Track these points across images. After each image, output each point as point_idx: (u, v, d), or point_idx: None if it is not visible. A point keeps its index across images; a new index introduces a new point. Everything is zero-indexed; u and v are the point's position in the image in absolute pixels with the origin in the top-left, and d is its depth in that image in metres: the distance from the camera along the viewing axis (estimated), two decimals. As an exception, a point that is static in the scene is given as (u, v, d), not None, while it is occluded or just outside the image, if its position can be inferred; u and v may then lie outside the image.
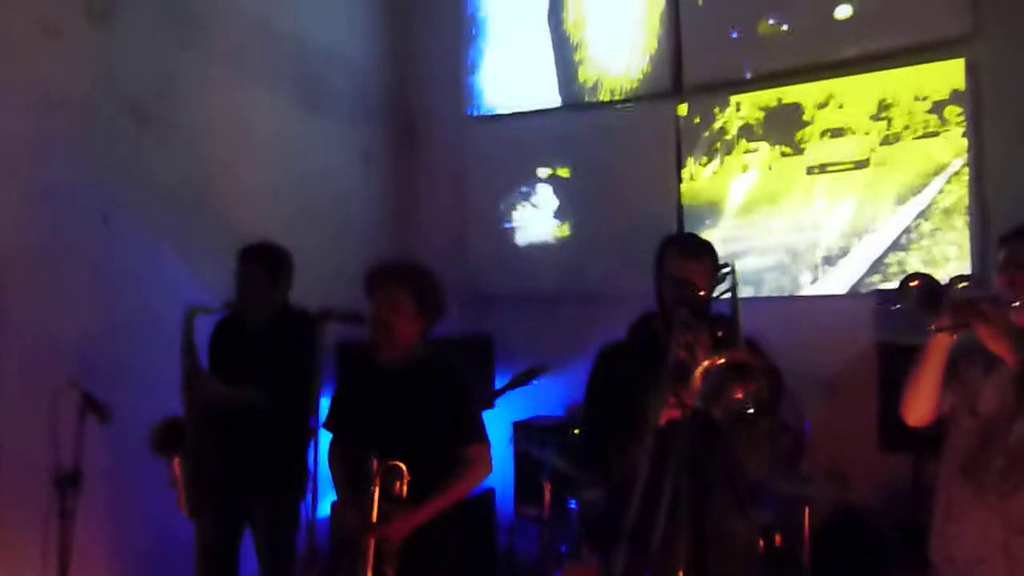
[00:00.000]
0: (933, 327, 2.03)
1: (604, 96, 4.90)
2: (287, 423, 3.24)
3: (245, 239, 3.64)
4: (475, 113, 5.33)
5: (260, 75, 4.50)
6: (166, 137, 3.97)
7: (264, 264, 3.32)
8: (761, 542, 3.32)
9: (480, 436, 2.64)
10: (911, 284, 2.02)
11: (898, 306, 2.03)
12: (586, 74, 4.96)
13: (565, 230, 5.05)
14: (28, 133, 3.41)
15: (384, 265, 2.68)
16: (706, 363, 1.80)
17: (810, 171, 4.29)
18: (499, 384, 4.33)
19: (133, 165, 3.81)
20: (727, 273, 2.21)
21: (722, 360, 1.80)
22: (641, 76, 4.76)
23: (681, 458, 2.02)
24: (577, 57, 4.98)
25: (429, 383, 2.58)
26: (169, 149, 3.98)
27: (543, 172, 5.11)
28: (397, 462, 2.40)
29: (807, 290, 4.30)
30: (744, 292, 4.23)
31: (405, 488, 2.40)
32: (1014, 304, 1.97)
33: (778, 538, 3.42)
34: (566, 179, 5.04)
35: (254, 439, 3.21)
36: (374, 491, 2.38)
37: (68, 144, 3.55)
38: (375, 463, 2.40)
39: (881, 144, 4.12)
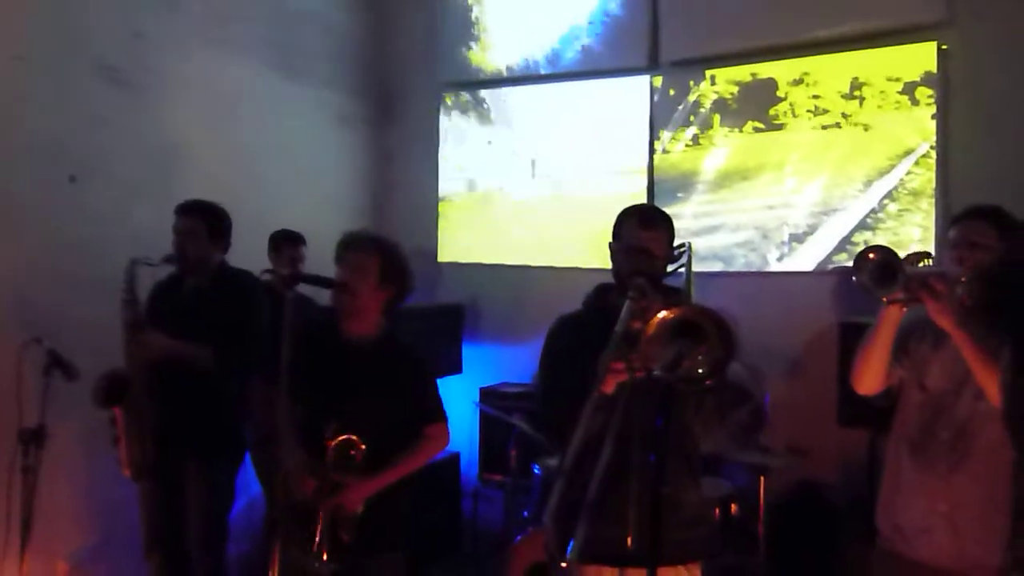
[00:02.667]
0: (885, 299, 2.09)
1: (582, 67, 4.90)
2: (225, 385, 3.25)
3: (218, 201, 3.64)
4: (453, 78, 5.31)
5: (235, 36, 4.45)
6: (137, 98, 3.93)
7: (204, 220, 3.29)
8: (717, 511, 3.42)
9: (438, 415, 2.68)
10: (868, 257, 2.06)
11: (854, 278, 2.06)
12: (564, 44, 4.95)
13: (537, 201, 5.06)
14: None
15: (354, 233, 2.70)
16: (660, 315, 1.80)
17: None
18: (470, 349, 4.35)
19: (102, 125, 3.77)
20: (683, 252, 2.24)
21: (672, 315, 1.80)
22: (617, 48, 4.76)
23: (634, 427, 2.06)
24: (557, 27, 4.97)
25: (389, 361, 2.60)
26: (140, 110, 3.94)
27: (517, 142, 5.11)
28: (352, 435, 2.42)
29: (774, 267, 4.35)
30: (714, 267, 4.34)
31: (360, 458, 2.42)
32: (962, 280, 2.02)
33: (734, 507, 3.50)
34: (540, 150, 5.05)
35: (191, 400, 3.17)
36: (328, 460, 2.41)
37: (36, 102, 3.51)
38: (331, 432, 2.41)
39: (853, 124, 4.16)
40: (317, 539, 2.38)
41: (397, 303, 2.70)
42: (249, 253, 3.66)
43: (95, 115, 3.74)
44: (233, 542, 3.56)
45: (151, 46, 3.99)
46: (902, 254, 2.07)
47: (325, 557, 2.38)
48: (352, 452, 2.42)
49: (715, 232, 4.47)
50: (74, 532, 3.65)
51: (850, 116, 4.16)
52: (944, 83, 3.94)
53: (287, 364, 2.38)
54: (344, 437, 2.41)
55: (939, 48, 3.94)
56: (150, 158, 3.95)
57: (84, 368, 3.14)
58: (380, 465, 2.49)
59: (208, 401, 3.22)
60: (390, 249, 2.66)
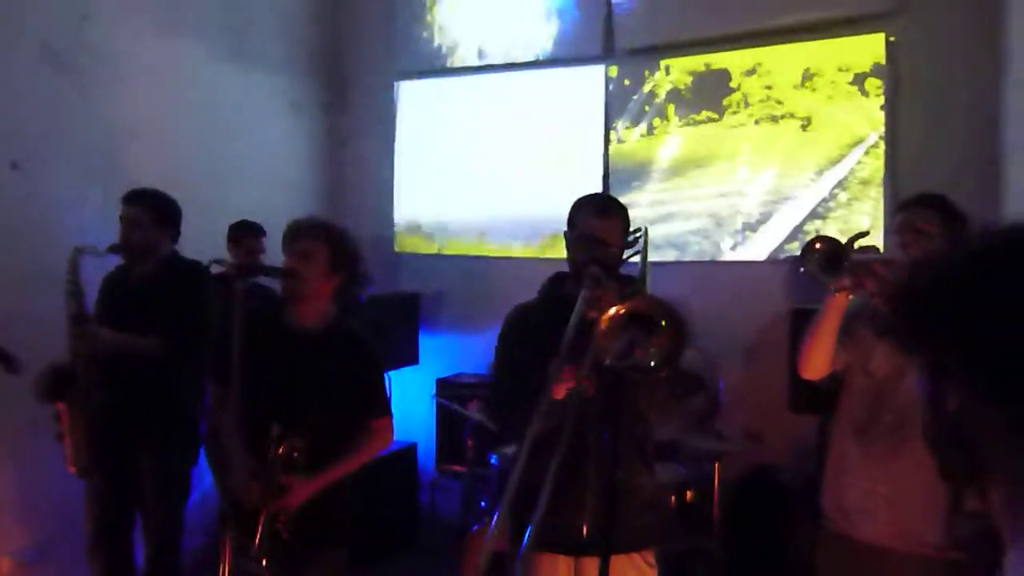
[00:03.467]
0: (832, 287, 2.12)
1: (534, 56, 4.90)
2: (177, 376, 3.19)
3: (168, 189, 3.56)
4: (407, 67, 5.27)
5: (186, 19, 4.37)
6: (83, 82, 3.83)
7: (149, 208, 3.23)
8: (673, 497, 3.47)
9: (384, 408, 2.65)
10: (815, 247, 2.09)
11: (802, 268, 2.10)
12: (519, 34, 4.94)
13: (492, 190, 5.05)
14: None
15: (304, 219, 2.64)
16: (611, 311, 1.82)
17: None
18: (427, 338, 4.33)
19: (47, 110, 3.67)
20: (638, 236, 2.25)
21: (624, 309, 1.82)
22: (572, 37, 4.77)
23: (588, 415, 2.07)
24: (512, 15, 4.95)
25: (336, 349, 2.55)
26: (87, 95, 3.84)
27: (471, 132, 5.09)
28: (295, 438, 2.38)
29: (728, 256, 4.40)
30: (668, 256, 4.38)
31: (302, 458, 2.39)
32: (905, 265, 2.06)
33: (689, 493, 3.55)
34: (494, 140, 5.03)
35: (142, 393, 3.12)
36: (273, 461, 2.37)
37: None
38: (275, 433, 2.38)
39: (804, 114, 4.22)
40: (257, 541, 2.34)
41: (348, 290, 2.66)
42: (202, 241, 3.59)
43: (39, 100, 3.64)
44: (188, 535, 3.51)
45: (98, 29, 3.88)
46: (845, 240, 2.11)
47: (264, 561, 2.33)
48: (295, 454, 2.38)
49: (670, 220, 4.51)
50: (18, 529, 3.56)
51: (801, 106, 4.22)
52: (893, 74, 4.02)
53: (238, 358, 2.34)
54: (287, 441, 2.37)
55: (887, 39, 4.01)
56: (98, 144, 3.85)
57: (30, 362, 3.05)
58: (323, 460, 2.45)
59: (159, 392, 3.16)
60: (338, 234, 2.61)
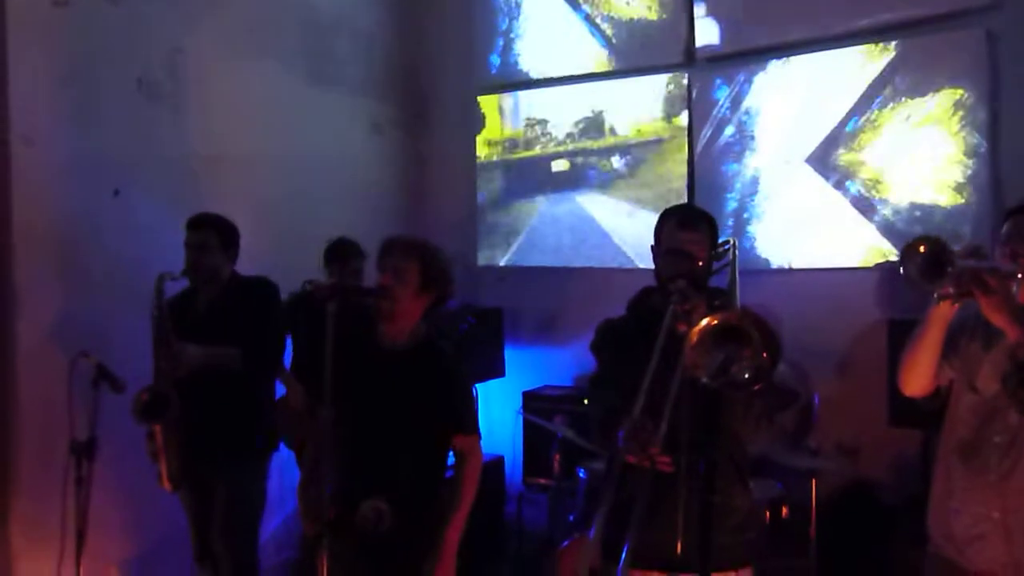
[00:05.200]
0: (936, 295, 2.00)
1: (615, 66, 4.86)
2: (255, 389, 3.30)
3: (255, 212, 3.66)
4: (487, 82, 5.30)
5: (270, 47, 4.49)
6: (176, 111, 3.98)
7: (215, 232, 3.33)
8: (767, 514, 3.36)
9: (471, 426, 2.61)
10: (918, 249, 1.96)
11: (902, 269, 1.98)
12: (607, 43, 4.91)
13: (576, 201, 5.03)
14: (42, 107, 3.44)
15: (397, 237, 2.66)
16: (702, 324, 1.78)
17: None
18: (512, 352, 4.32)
19: (143, 139, 3.82)
20: (727, 249, 2.20)
21: (715, 322, 1.78)
22: (653, 45, 4.72)
23: (682, 434, 2.03)
24: (601, 27, 4.92)
25: (425, 366, 2.55)
26: (179, 123, 3.99)
27: (553, 144, 5.08)
28: (382, 505, 2.39)
29: (820, 263, 4.25)
30: (755, 264, 4.26)
31: (386, 522, 2.40)
32: (1018, 276, 1.94)
33: (784, 510, 3.44)
34: (577, 151, 5.01)
35: (216, 406, 3.20)
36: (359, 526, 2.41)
37: (79, 118, 3.57)
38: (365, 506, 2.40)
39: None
40: None
41: (438, 308, 2.67)
42: (288, 262, 3.69)
43: (136, 130, 3.80)
44: (278, 549, 3.60)
45: (189, 60, 4.04)
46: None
47: None
48: (380, 521, 2.39)
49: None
50: (125, 540, 3.70)
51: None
52: (993, 70, 3.82)
53: (330, 380, 2.35)
54: (374, 506, 2.39)
55: (987, 34, 3.83)
56: (189, 170, 4.00)
57: (130, 380, 3.19)
58: (416, 482, 2.48)
59: (230, 405, 3.25)
60: (431, 254, 2.61)
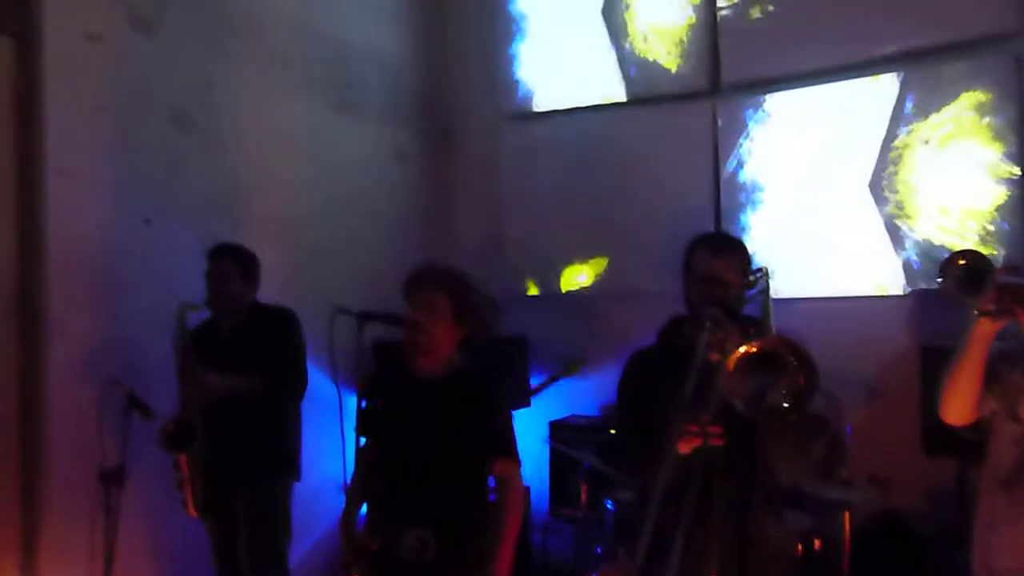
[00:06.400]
0: (976, 310, 1.95)
1: (642, 92, 4.87)
2: (278, 416, 3.33)
3: (283, 240, 3.68)
4: (512, 110, 5.32)
5: (297, 77, 4.55)
6: (205, 141, 4.03)
7: (235, 261, 3.38)
8: (799, 547, 3.30)
9: (510, 451, 2.57)
10: (957, 262, 1.91)
11: (939, 281, 1.94)
12: (632, 70, 4.93)
13: (599, 228, 5.02)
14: (77, 139, 3.50)
15: (425, 268, 2.63)
16: (738, 353, 1.76)
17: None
18: (537, 381, 4.34)
19: (174, 169, 3.88)
20: (760, 276, 2.18)
21: (753, 350, 1.76)
22: (679, 73, 4.73)
23: (716, 465, 2.00)
24: (627, 54, 4.94)
25: (464, 394, 2.53)
26: (208, 152, 4.04)
27: (577, 170, 5.08)
28: (425, 535, 2.41)
29: (851, 291, 4.20)
30: (783, 291, 4.22)
31: (431, 552, 2.41)
32: None
33: (817, 543, 3.37)
34: (600, 177, 5.01)
35: (239, 433, 3.23)
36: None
37: (112, 148, 3.63)
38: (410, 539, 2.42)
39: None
40: None
41: (473, 338, 2.64)
42: (314, 289, 3.71)
43: (167, 159, 3.85)
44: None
45: (220, 91, 4.10)
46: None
47: None
48: (425, 551, 2.41)
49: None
50: (153, 568, 3.70)
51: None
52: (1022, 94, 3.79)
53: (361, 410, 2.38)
54: (417, 537, 2.40)
55: (1015, 59, 3.80)
56: (219, 200, 4.04)
57: (160, 408, 3.21)
58: (454, 520, 2.47)
59: (254, 433, 3.27)
60: (461, 283, 2.59)
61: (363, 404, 2.51)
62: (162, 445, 3.16)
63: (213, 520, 3.35)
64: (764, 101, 4.46)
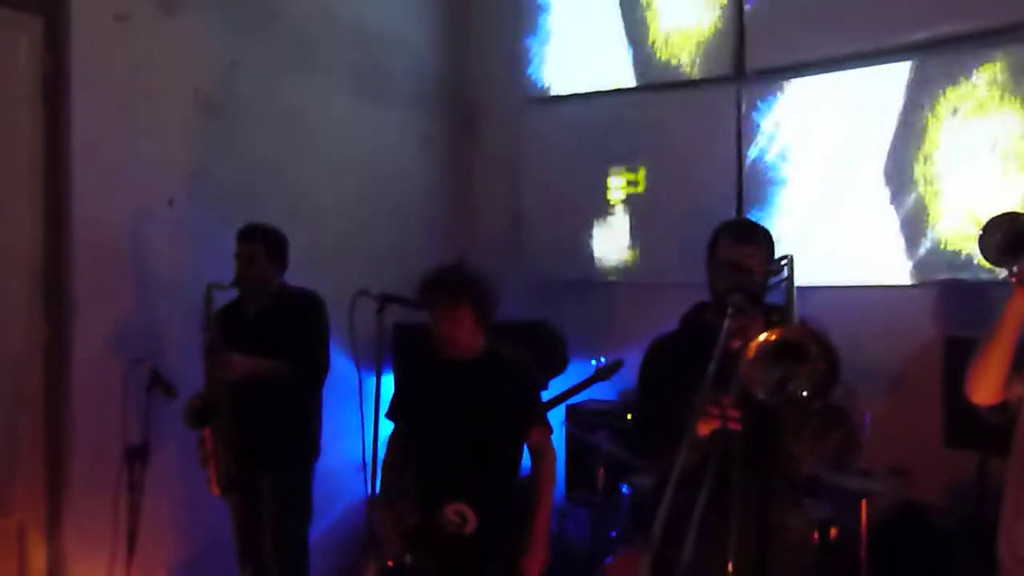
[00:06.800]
0: (1014, 278, 1.89)
1: (665, 77, 4.83)
2: (303, 398, 3.36)
3: (306, 223, 3.69)
4: (533, 95, 5.29)
5: (322, 62, 4.56)
6: (229, 123, 4.05)
7: (264, 243, 3.39)
8: (816, 535, 3.29)
9: (543, 419, 2.74)
10: (999, 225, 1.89)
11: (979, 244, 1.89)
12: (655, 56, 4.89)
13: (622, 215, 5.00)
14: (102, 118, 3.52)
15: (442, 278, 2.68)
16: (759, 341, 1.75)
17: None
18: (568, 382, 4.35)
19: (197, 150, 3.90)
20: (784, 264, 2.16)
21: (775, 338, 1.75)
22: (703, 58, 4.68)
23: (735, 452, 2.00)
24: (649, 39, 4.90)
25: (499, 372, 2.66)
26: (232, 135, 4.06)
27: (600, 157, 5.06)
28: (464, 508, 2.48)
29: (874, 279, 4.16)
30: (806, 280, 4.18)
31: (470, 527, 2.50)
32: None
33: (833, 531, 3.37)
34: (622, 163, 4.99)
35: (264, 414, 3.27)
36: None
37: (137, 128, 3.65)
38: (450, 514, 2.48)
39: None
40: None
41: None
42: (337, 274, 3.73)
43: (190, 141, 3.88)
44: (324, 556, 3.62)
45: (245, 73, 4.11)
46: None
47: None
48: (466, 527, 2.50)
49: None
50: (175, 544, 3.76)
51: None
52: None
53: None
54: (456, 511, 2.47)
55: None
56: (243, 181, 4.06)
57: (183, 386, 3.25)
58: (494, 481, 2.57)
59: (277, 414, 3.30)
60: (479, 288, 2.67)
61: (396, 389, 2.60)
62: (188, 420, 3.21)
63: (236, 499, 3.39)
64: (787, 86, 4.41)
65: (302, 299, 3.44)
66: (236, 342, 3.28)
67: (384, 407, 2.77)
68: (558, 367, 4.60)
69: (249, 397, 3.25)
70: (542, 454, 2.71)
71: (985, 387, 2.09)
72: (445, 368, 2.68)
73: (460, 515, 2.47)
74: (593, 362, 3.95)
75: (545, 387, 4.54)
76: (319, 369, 3.36)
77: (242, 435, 3.27)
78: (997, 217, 1.89)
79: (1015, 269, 1.88)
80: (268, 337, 3.31)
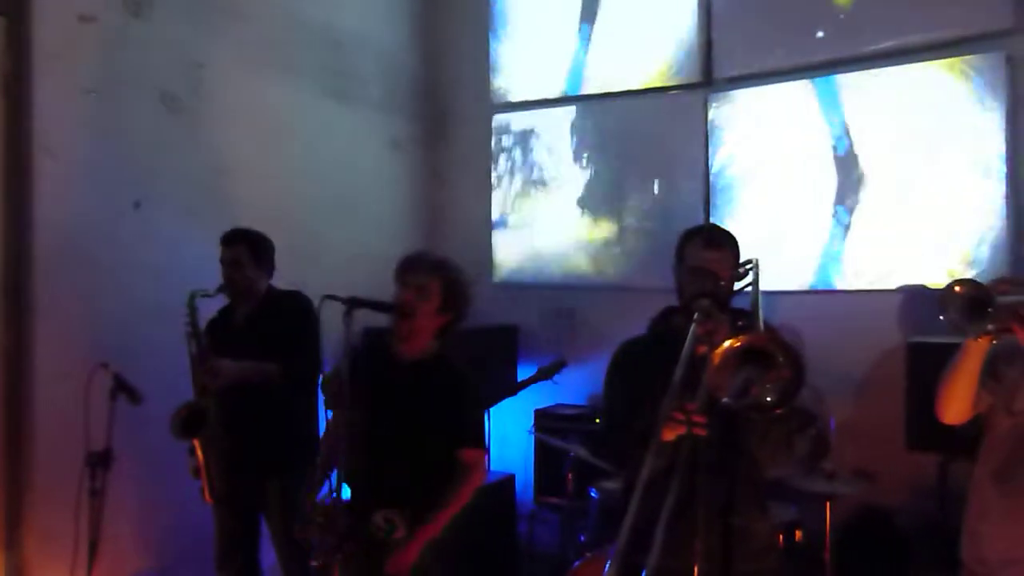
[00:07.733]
0: (976, 337, 1.97)
1: (634, 86, 4.87)
2: (298, 398, 3.31)
3: (270, 226, 3.63)
4: (502, 99, 5.31)
5: (290, 63, 4.53)
6: (196, 125, 4.01)
7: (248, 246, 3.36)
8: (780, 538, 3.33)
9: (477, 441, 2.62)
10: (956, 291, 1.93)
11: (942, 316, 1.95)
12: (617, 64, 4.93)
13: (589, 221, 5.02)
14: (66, 119, 3.47)
15: (420, 254, 2.69)
16: (724, 346, 1.77)
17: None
18: (523, 376, 4.37)
19: (164, 152, 3.86)
20: (750, 268, 2.19)
21: (739, 344, 1.76)
22: (672, 66, 4.72)
23: (699, 456, 2.01)
24: (608, 46, 4.94)
25: (435, 379, 2.58)
26: (199, 137, 4.03)
27: (568, 163, 5.09)
28: (394, 515, 2.42)
29: (838, 285, 4.22)
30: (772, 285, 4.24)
31: (401, 531, 2.43)
32: None
33: (798, 534, 3.40)
34: (592, 170, 5.02)
35: (261, 422, 3.23)
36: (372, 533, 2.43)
37: (101, 130, 3.60)
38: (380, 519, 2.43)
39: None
40: None
41: (452, 328, 2.69)
42: (304, 277, 3.70)
43: (156, 142, 3.83)
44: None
45: (211, 75, 4.07)
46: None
47: None
48: (396, 532, 2.43)
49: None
50: (139, 552, 3.70)
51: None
52: (1013, 94, 3.81)
53: (346, 387, 2.40)
54: (386, 518, 2.42)
55: (1007, 57, 3.82)
56: (208, 183, 4.02)
57: (148, 392, 3.20)
58: (419, 491, 2.48)
59: (276, 420, 3.26)
60: (453, 272, 2.64)
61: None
62: (174, 431, 3.16)
63: (227, 508, 3.34)
64: (755, 94, 4.46)
65: (290, 300, 3.40)
66: (227, 347, 3.24)
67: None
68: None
69: (243, 403, 3.21)
70: (467, 473, 2.58)
71: (955, 410, 2.16)
72: (390, 367, 2.61)
73: (389, 521, 2.43)
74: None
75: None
76: (309, 369, 3.26)
77: (239, 442, 3.23)
78: (950, 286, 1.92)
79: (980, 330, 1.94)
80: (259, 340, 3.27)
